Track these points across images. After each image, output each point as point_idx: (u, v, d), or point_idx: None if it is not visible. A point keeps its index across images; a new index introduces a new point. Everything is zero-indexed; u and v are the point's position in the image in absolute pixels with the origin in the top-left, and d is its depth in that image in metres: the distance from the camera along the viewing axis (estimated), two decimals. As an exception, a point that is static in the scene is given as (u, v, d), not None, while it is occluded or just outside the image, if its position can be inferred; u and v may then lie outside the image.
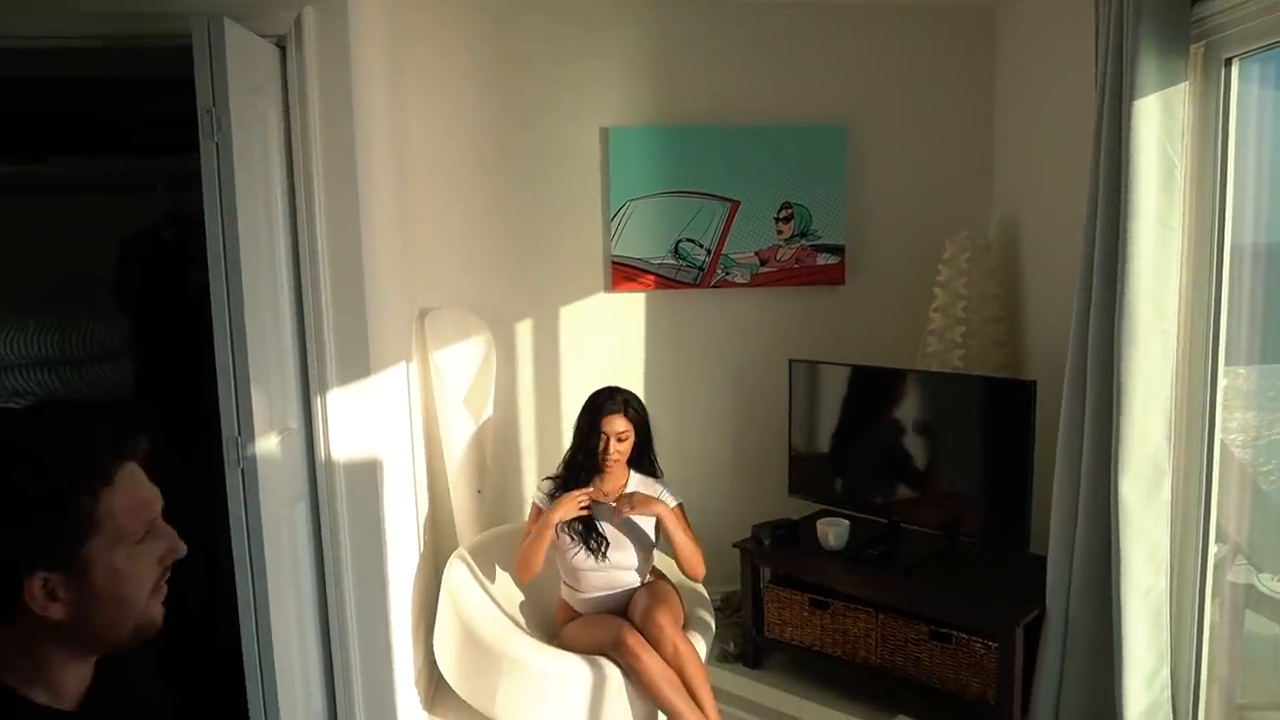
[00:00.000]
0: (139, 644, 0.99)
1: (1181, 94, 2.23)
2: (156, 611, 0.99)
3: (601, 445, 2.70)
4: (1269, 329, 2.43)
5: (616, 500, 2.67)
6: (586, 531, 2.68)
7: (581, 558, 2.68)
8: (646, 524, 2.74)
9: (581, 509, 2.65)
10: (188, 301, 2.62)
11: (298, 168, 2.30)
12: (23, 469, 0.90)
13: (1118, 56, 2.29)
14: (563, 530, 2.68)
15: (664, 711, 2.52)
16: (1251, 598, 2.57)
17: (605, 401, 2.73)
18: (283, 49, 2.28)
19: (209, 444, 2.59)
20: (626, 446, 2.72)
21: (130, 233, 2.67)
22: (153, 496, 0.99)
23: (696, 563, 2.70)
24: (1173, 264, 2.29)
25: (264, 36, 2.21)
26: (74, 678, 0.97)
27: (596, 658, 2.57)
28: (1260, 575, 2.55)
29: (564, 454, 2.82)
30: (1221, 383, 2.35)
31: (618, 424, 2.70)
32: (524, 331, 3.35)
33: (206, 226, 2.03)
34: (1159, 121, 2.23)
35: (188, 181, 2.67)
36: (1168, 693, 2.43)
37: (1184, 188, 2.27)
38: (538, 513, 2.74)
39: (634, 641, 2.51)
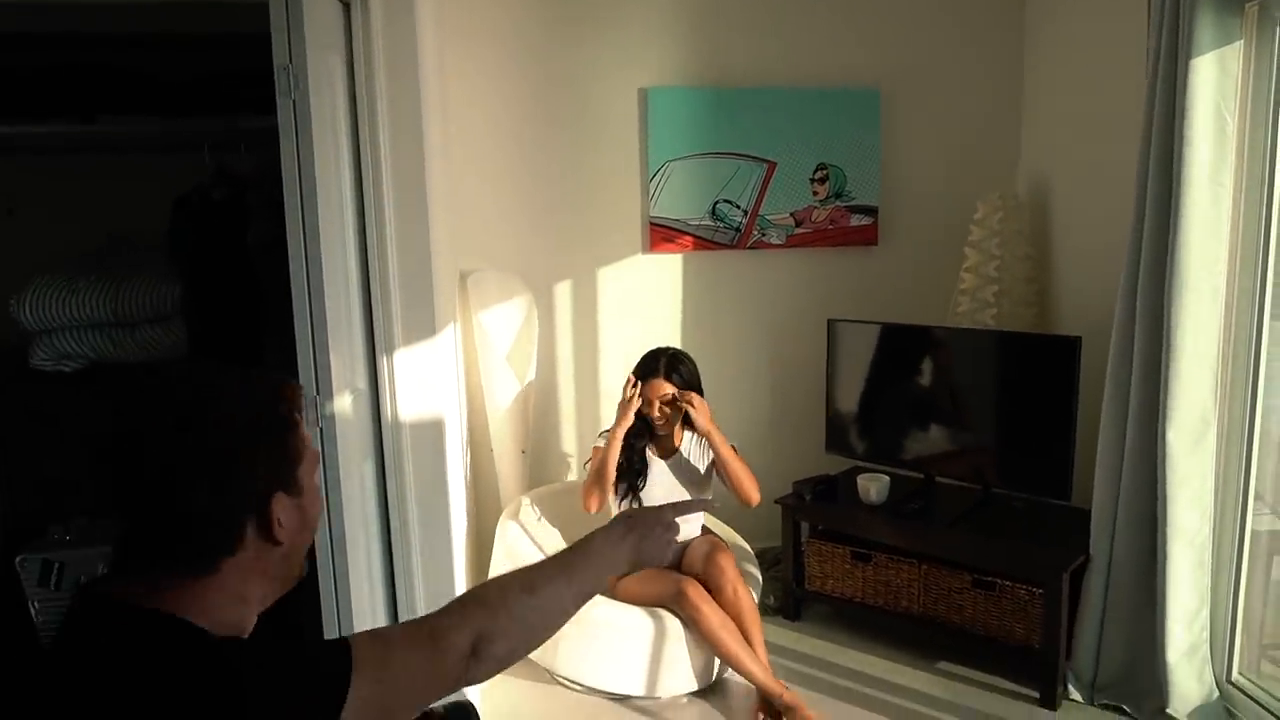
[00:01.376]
0: (291, 586, 1.02)
1: (1236, 52, 2.28)
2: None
3: (647, 410, 2.73)
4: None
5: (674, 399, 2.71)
6: (631, 472, 2.74)
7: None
8: (700, 462, 2.81)
9: (632, 403, 2.69)
10: (242, 262, 2.62)
11: (363, 125, 2.29)
12: (253, 397, 0.95)
13: (1174, 15, 2.33)
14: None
15: (724, 659, 2.60)
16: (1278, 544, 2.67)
17: (647, 368, 2.76)
18: (345, 5, 2.26)
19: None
20: (674, 409, 2.75)
21: (183, 193, 2.64)
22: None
23: (751, 487, 2.75)
24: (1223, 220, 2.35)
25: (329, -8, 2.19)
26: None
27: (656, 609, 2.64)
28: (1288, 520, 2.66)
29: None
30: (1266, 337, 2.43)
31: (663, 388, 2.72)
32: (563, 292, 3.37)
33: (284, 185, 2.02)
34: (1214, 80, 2.27)
35: (236, 141, 2.67)
36: (1206, 633, 2.53)
37: (1236, 145, 2.33)
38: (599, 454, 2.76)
39: (695, 593, 2.57)
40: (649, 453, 2.80)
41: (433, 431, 2.46)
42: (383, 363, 2.38)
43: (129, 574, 0.90)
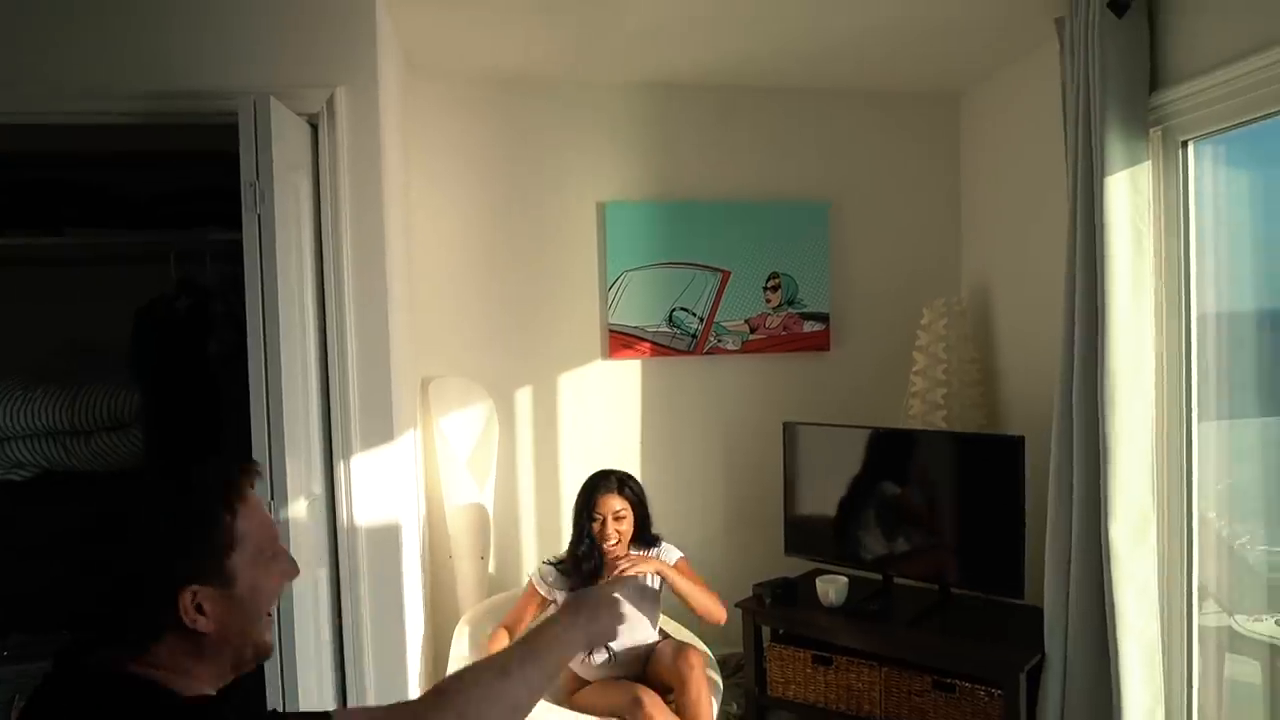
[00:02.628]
0: (253, 667, 1.08)
1: (1145, 172, 2.47)
2: (270, 635, 1.08)
3: (598, 526, 2.69)
4: (1234, 388, 2.64)
5: (611, 561, 2.68)
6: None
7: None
8: (645, 582, 2.78)
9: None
10: (202, 370, 2.65)
11: (326, 238, 2.38)
12: (172, 491, 1.01)
13: (1086, 139, 2.52)
14: None
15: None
16: (1231, 640, 2.71)
17: (599, 483, 2.74)
18: (314, 126, 2.38)
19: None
20: (625, 526, 2.71)
21: (145, 303, 2.68)
22: (271, 519, 1.09)
23: (714, 607, 2.71)
24: (1147, 327, 2.49)
25: (298, 114, 2.31)
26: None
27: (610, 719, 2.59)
28: (1235, 617, 2.70)
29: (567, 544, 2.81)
30: (1196, 436, 2.54)
31: (614, 503, 2.70)
32: (524, 399, 3.42)
33: (247, 295, 2.09)
34: (1128, 197, 2.45)
35: (200, 254, 2.74)
36: (1163, 732, 2.54)
37: (1153, 257, 2.49)
38: (533, 589, 2.74)
39: (650, 703, 2.53)
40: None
41: (388, 537, 2.46)
42: (340, 469, 2.39)
43: (94, 647, 0.99)
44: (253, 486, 1.06)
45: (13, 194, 2.61)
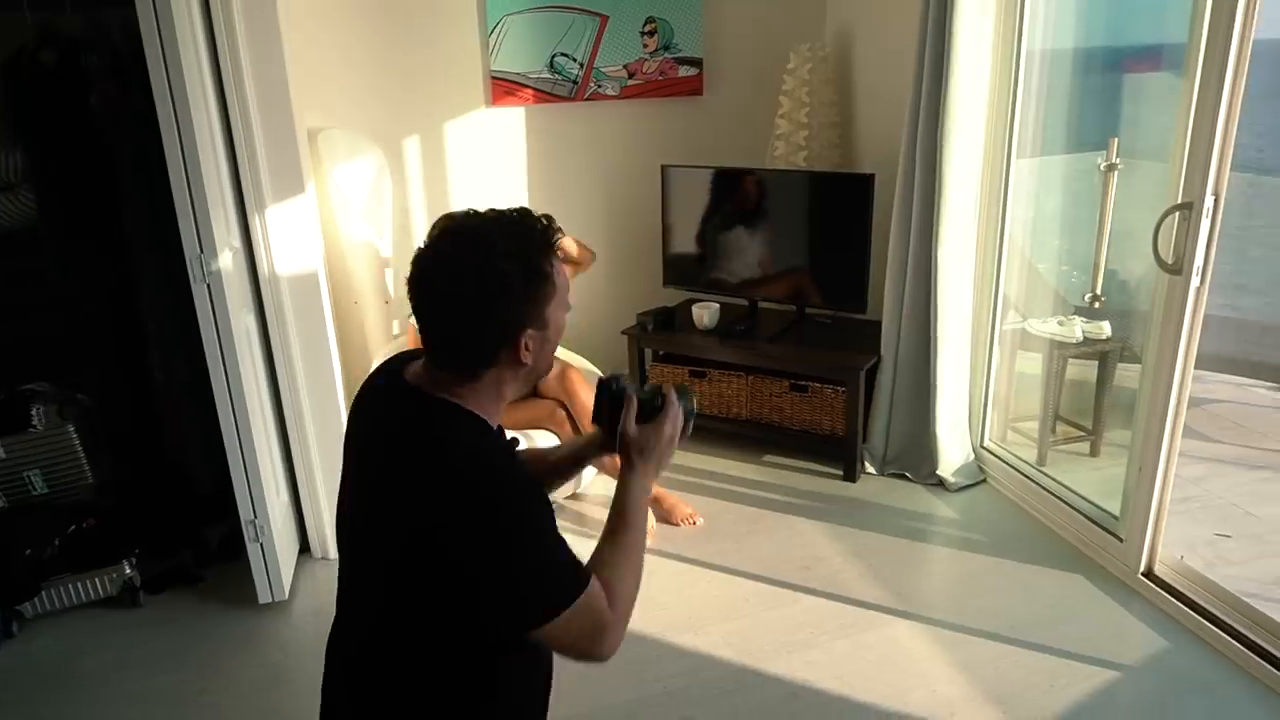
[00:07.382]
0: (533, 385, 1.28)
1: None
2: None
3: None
4: (1046, 126, 3.07)
5: None
6: None
7: None
8: None
9: None
10: (85, 127, 2.59)
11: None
12: (520, 252, 1.14)
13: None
14: None
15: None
16: (1023, 339, 3.36)
17: (550, 222, 2.94)
18: None
19: (125, 270, 2.67)
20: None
21: (7, 57, 2.53)
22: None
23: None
24: (983, 69, 2.82)
25: None
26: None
27: (528, 431, 3.01)
28: (1029, 321, 3.33)
29: None
30: (1013, 172, 2.98)
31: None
32: (412, 147, 3.48)
33: (146, 48, 2.07)
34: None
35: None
36: (965, 412, 3.20)
37: (996, 5, 2.77)
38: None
39: (563, 414, 2.96)
40: None
41: (309, 282, 2.62)
42: (255, 221, 2.49)
43: (416, 364, 1.21)
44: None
45: None
